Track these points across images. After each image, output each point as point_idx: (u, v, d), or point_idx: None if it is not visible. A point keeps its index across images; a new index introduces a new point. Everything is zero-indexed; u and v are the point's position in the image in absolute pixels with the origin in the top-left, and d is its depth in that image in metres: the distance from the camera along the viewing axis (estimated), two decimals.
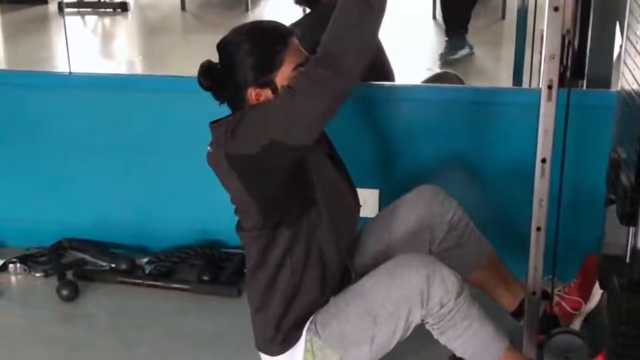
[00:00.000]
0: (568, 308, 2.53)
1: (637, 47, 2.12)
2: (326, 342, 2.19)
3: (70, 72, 3.14)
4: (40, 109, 3.15)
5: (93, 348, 2.72)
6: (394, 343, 2.18)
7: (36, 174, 3.23)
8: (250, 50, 2.12)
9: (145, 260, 3.14)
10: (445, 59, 4.45)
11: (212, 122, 2.17)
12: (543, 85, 2.13)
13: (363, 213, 2.86)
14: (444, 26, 4.85)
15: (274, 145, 2.01)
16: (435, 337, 2.17)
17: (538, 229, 2.26)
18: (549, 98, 2.13)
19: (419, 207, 2.46)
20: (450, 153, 2.92)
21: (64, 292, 2.95)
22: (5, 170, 3.25)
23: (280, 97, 2.06)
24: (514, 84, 3.55)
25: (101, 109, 3.10)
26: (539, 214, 2.24)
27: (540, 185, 2.21)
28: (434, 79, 3.40)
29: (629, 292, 1.95)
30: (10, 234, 3.30)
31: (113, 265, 3.12)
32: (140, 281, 3.04)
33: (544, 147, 2.18)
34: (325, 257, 2.21)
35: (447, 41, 4.61)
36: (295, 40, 2.16)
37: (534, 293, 2.33)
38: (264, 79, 2.12)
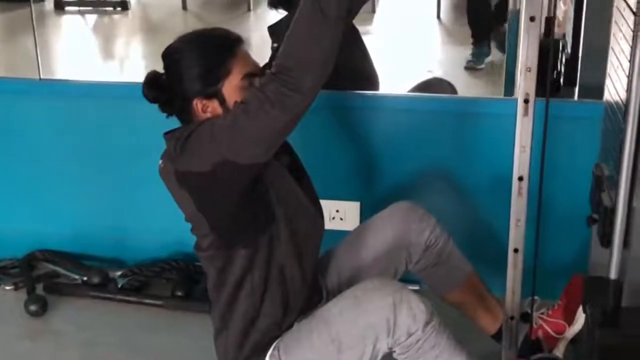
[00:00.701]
0: (551, 331, 2.40)
1: (620, 58, 1.98)
2: None
3: (40, 78, 3.03)
4: (9, 115, 3.05)
5: None
6: None
7: (8, 183, 3.13)
8: (195, 59, 2.01)
9: (119, 273, 3.04)
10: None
11: (166, 133, 2.06)
12: (519, 100, 2.00)
13: (344, 226, 2.79)
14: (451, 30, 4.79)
15: (227, 163, 1.89)
16: None
17: (515, 250, 2.14)
18: (526, 113, 2.01)
19: (396, 224, 2.35)
20: (433, 165, 2.81)
21: (32, 308, 2.86)
22: None
23: (233, 113, 1.92)
24: (505, 93, 3.41)
25: (73, 116, 3.00)
26: (516, 234, 2.12)
27: (517, 205, 2.10)
28: (424, 85, 3.23)
29: (602, 326, 1.81)
30: None
31: (85, 279, 3.01)
32: (112, 296, 2.94)
33: (520, 164, 2.06)
34: (286, 276, 2.10)
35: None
36: (243, 49, 2.03)
37: (512, 317, 2.21)
38: (210, 89, 2.00)
